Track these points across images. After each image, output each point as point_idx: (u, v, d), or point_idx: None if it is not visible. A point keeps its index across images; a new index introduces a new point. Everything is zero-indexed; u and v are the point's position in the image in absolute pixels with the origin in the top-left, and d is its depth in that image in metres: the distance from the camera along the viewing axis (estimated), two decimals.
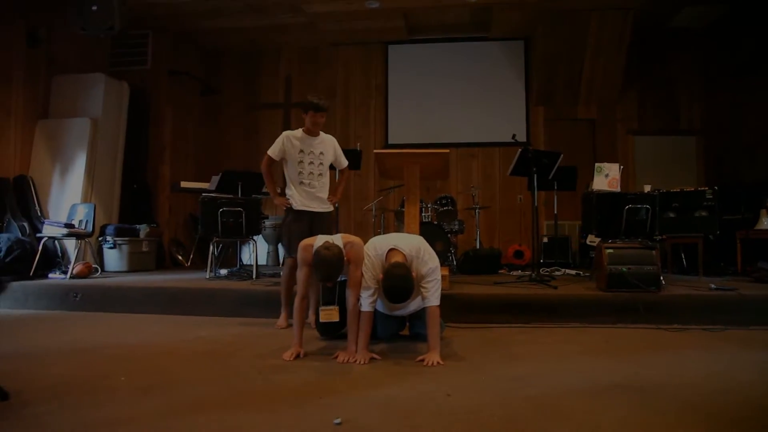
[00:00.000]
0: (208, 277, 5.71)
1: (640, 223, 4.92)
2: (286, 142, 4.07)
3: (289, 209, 4.13)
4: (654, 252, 4.49)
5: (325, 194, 4.19)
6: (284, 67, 9.12)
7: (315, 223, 4.05)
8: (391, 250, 3.14)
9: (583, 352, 3.28)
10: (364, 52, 8.93)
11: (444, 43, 8.72)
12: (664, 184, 6.29)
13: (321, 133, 4.19)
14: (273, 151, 4.09)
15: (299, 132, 4.13)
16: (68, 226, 5.78)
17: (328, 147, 4.21)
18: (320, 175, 4.14)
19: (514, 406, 2.25)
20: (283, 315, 4.15)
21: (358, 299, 3.10)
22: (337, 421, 2.01)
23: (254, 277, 5.67)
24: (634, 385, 2.53)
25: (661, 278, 4.50)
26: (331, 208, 4.27)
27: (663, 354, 3.23)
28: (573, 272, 6.34)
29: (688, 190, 6.03)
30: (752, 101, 7.39)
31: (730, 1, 7.22)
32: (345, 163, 4.40)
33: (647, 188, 5.49)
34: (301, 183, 4.08)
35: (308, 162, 4.10)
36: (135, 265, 6.69)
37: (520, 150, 5.46)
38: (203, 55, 8.94)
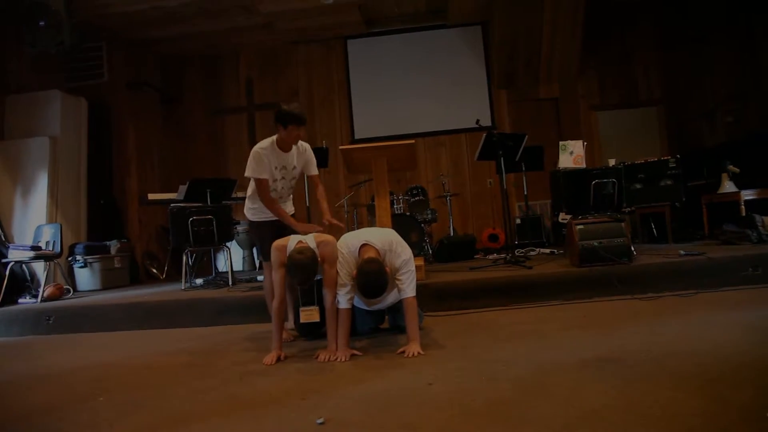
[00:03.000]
0: (183, 288, 5.64)
1: (607, 197, 5.00)
2: (263, 158, 3.65)
3: (254, 222, 3.91)
4: (623, 224, 4.57)
5: (289, 201, 4.01)
6: (244, 70, 9.04)
7: (284, 230, 3.75)
8: (363, 245, 3.14)
9: (563, 328, 3.32)
10: (324, 49, 8.89)
11: (402, 33, 8.73)
12: (629, 157, 6.43)
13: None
14: (261, 173, 3.64)
15: (269, 145, 3.69)
16: (35, 248, 5.65)
17: (301, 158, 3.86)
18: (291, 188, 3.92)
19: (498, 389, 2.27)
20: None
21: (335, 297, 3.10)
22: (320, 420, 2.01)
23: (230, 283, 5.62)
24: (613, 357, 2.57)
25: (633, 249, 4.58)
26: (293, 211, 4.01)
27: (639, 323, 3.29)
28: (547, 251, 6.43)
29: (651, 160, 6.19)
30: (708, 67, 7.57)
31: None
32: (315, 171, 3.98)
33: (612, 162, 5.59)
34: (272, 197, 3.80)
35: (280, 178, 3.78)
36: (108, 282, 6.58)
37: (485, 135, 5.49)
38: (161, 64, 8.78)
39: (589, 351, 2.72)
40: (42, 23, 5.76)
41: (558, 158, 5.51)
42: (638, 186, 6.20)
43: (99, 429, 2.20)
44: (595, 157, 7.88)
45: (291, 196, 4.00)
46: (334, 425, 1.98)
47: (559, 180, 5.31)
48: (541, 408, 1.99)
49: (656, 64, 8.42)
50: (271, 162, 3.69)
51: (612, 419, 1.82)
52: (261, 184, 3.69)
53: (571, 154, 5.19)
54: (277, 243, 3.21)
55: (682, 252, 4.63)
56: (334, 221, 3.70)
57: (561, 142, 5.31)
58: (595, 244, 4.47)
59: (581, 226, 4.57)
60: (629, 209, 5.99)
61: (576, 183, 5.09)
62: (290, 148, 3.76)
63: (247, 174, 3.69)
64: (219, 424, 2.12)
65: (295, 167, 3.83)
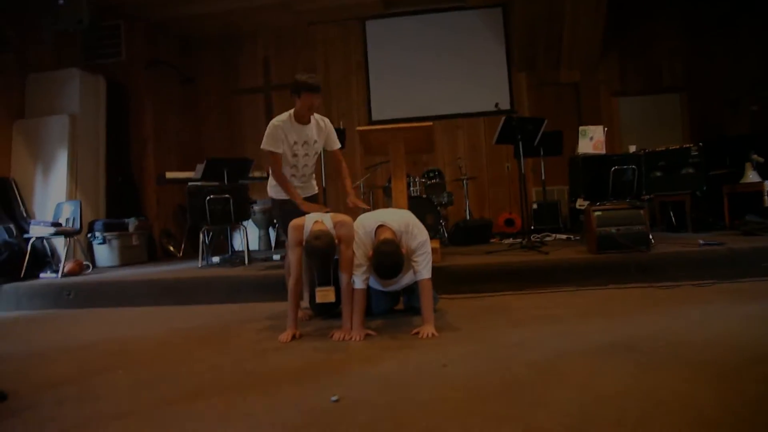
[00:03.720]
0: (200, 266, 5.70)
1: (627, 184, 4.95)
2: (279, 131, 3.62)
3: (276, 200, 3.90)
4: (642, 212, 4.51)
5: (313, 179, 3.99)
6: (262, 50, 9.01)
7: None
8: (379, 226, 3.14)
9: (578, 315, 3.31)
10: (342, 30, 8.83)
11: (421, 15, 8.61)
12: (650, 144, 6.32)
13: (314, 116, 3.74)
14: (273, 146, 3.60)
15: (287, 118, 3.65)
16: (55, 225, 5.72)
17: (322, 132, 3.79)
18: (313, 164, 3.87)
19: (513, 372, 2.26)
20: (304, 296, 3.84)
21: (350, 278, 3.11)
22: (335, 398, 2.03)
23: (246, 262, 5.67)
24: (629, 344, 2.55)
25: (651, 237, 4.53)
26: (317, 191, 4.04)
27: (655, 312, 3.26)
28: (564, 237, 6.38)
29: (673, 148, 6.08)
30: (732, 55, 7.41)
31: None
32: (337, 144, 3.92)
33: (632, 149, 5.51)
34: (293, 176, 3.79)
35: (303, 154, 3.71)
36: (126, 259, 6.67)
37: (503, 118, 5.44)
38: (179, 43, 8.79)
39: (605, 337, 2.70)
40: (61, 2, 5.77)
41: (577, 144, 5.45)
42: (658, 174, 6.10)
43: (118, 400, 2.24)
44: (615, 144, 7.76)
45: (313, 174, 3.98)
46: (349, 403, 2.00)
47: (578, 165, 5.26)
48: (555, 392, 1.99)
49: (679, 50, 8.24)
50: (289, 136, 3.64)
51: (627, 406, 1.81)
52: (274, 158, 3.66)
53: (591, 140, 5.12)
54: (294, 222, 3.22)
55: (701, 242, 4.56)
56: (360, 203, 3.69)
57: (581, 127, 5.25)
58: (613, 231, 4.42)
59: (599, 213, 4.52)
60: (648, 197, 5.90)
61: (595, 169, 5.04)
62: (308, 120, 3.70)
63: (262, 146, 3.66)
64: (235, 400, 2.14)
65: (316, 141, 3.76)
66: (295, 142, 3.68)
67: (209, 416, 1.99)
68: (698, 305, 3.35)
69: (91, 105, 7.00)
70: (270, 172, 3.87)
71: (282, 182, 3.71)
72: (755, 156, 5.74)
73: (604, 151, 5.15)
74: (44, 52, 6.97)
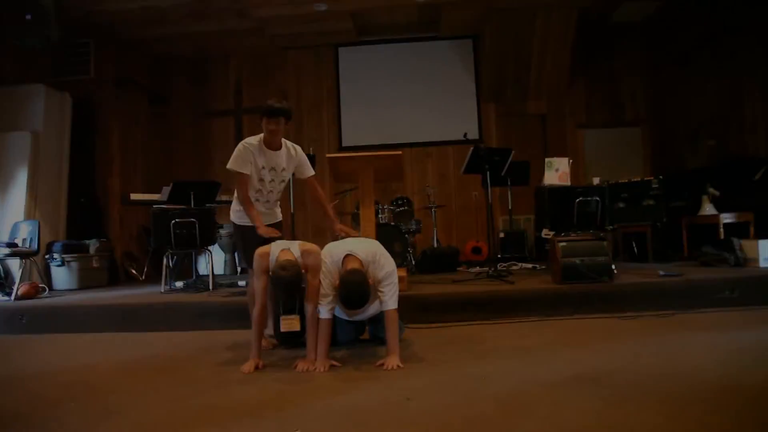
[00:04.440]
0: (163, 290, 5.56)
1: (591, 215, 5.05)
2: (248, 153, 3.55)
3: (238, 226, 3.79)
4: (605, 243, 4.61)
5: (277, 207, 3.92)
6: (234, 73, 8.99)
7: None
8: (347, 256, 3.11)
9: (543, 345, 3.33)
10: (315, 55, 8.88)
11: (394, 43, 8.75)
12: (613, 175, 6.50)
13: (285, 143, 3.71)
14: (240, 167, 3.53)
15: (257, 142, 3.59)
16: (10, 245, 5.54)
17: (292, 160, 3.75)
18: (279, 191, 3.82)
19: (478, 405, 2.25)
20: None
21: (316, 307, 3.07)
22: None
23: (211, 288, 5.56)
24: (593, 375, 2.58)
25: (613, 268, 4.61)
26: (281, 218, 3.96)
27: (619, 342, 3.31)
28: (530, 266, 6.45)
29: (635, 180, 6.25)
30: (692, 90, 7.69)
31: None
32: (310, 172, 3.91)
33: (596, 180, 5.64)
34: (257, 201, 3.70)
35: (269, 180, 3.65)
36: (86, 282, 6.47)
37: (471, 148, 5.51)
38: (150, 63, 8.69)
39: (569, 369, 2.72)
40: (28, 17, 5.67)
41: (543, 174, 5.55)
42: (621, 205, 6.25)
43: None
44: (580, 175, 7.94)
45: (278, 202, 3.92)
46: None
47: (543, 196, 5.35)
48: (521, 426, 1.98)
49: (642, 85, 8.54)
50: (258, 160, 3.58)
51: None
52: (240, 179, 3.58)
53: (557, 171, 5.23)
54: (260, 250, 3.18)
55: (661, 272, 4.67)
56: (346, 229, 3.64)
57: (547, 159, 5.36)
58: (577, 261, 4.49)
59: (564, 243, 4.59)
60: (612, 227, 6.03)
61: (560, 200, 5.13)
62: (277, 146, 3.65)
63: (228, 166, 3.58)
64: None
65: (284, 169, 3.71)
66: (263, 167, 3.62)
67: None
68: (660, 336, 3.42)
69: (56, 122, 6.85)
70: (234, 195, 3.78)
71: (246, 204, 3.62)
72: (711, 189, 5.93)
73: (569, 183, 5.26)
74: (8, 66, 6.80)
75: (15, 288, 5.32)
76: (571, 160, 5.36)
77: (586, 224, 5.04)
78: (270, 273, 3.06)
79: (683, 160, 7.83)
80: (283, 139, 3.72)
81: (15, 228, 5.92)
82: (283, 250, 3.12)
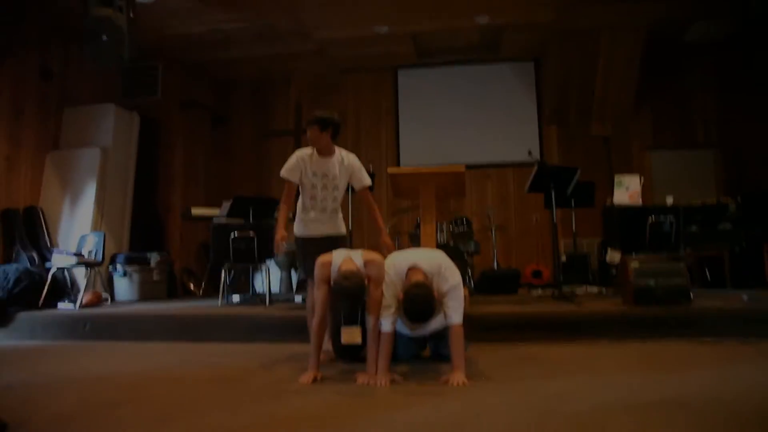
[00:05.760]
0: (220, 304, 5.57)
1: (664, 236, 4.76)
2: (299, 161, 3.64)
3: (299, 237, 3.78)
4: (682, 264, 4.31)
5: (339, 218, 3.85)
6: (294, 95, 9.13)
7: (329, 248, 3.51)
8: (411, 268, 3.00)
9: (617, 368, 3.11)
10: (374, 78, 8.93)
11: (454, 66, 8.69)
12: (684, 199, 6.14)
13: (338, 151, 3.73)
14: (288, 174, 3.64)
15: (310, 150, 3.69)
16: (77, 255, 5.69)
17: (343, 167, 3.74)
18: (334, 199, 3.77)
19: (555, 425, 2.07)
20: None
21: (378, 319, 2.95)
22: None
23: (267, 302, 5.53)
24: (676, 400, 2.35)
25: (691, 291, 4.30)
26: (344, 232, 3.88)
27: (700, 368, 3.04)
28: (595, 290, 6.14)
29: (709, 203, 5.90)
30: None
31: (739, 15, 7.13)
32: (366, 181, 3.85)
33: (670, 200, 5.33)
34: (314, 207, 3.70)
35: (321, 186, 3.66)
36: (146, 294, 6.58)
37: (536, 165, 5.33)
38: (213, 85, 8.97)
39: (651, 392, 2.50)
40: (105, 38, 5.91)
41: (609, 195, 5.30)
42: (694, 229, 5.90)
43: None
44: (646, 197, 7.55)
45: (337, 210, 3.83)
46: None
47: (612, 216, 5.09)
48: None
49: (713, 106, 8.14)
50: (308, 167, 3.65)
51: None
52: (287, 185, 3.70)
53: (627, 190, 4.97)
54: (322, 259, 3.10)
55: (745, 297, 4.33)
56: (389, 242, 3.71)
57: (617, 177, 5.11)
58: (651, 283, 4.22)
59: (637, 264, 4.33)
60: (685, 252, 5.69)
61: (631, 220, 4.86)
62: (328, 152, 3.68)
63: (281, 174, 3.71)
64: None
65: (335, 176, 3.70)
66: (314, 173, 3.65)
67: None
68: (745, 363, 3.14)
69: (124, 140, 7.09)
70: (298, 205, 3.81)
71: (283, 208, 3.71)
72: None
73: (640, 202, 4.99)
74: (83, 86, 7.13)
75: (80, 296, 5.44)
76: (642, 178, 5.09)
77: (658, 246, 4.75)
78: (331, 283, 2.97)
79: (762, 184, 7.37)
80: (337, 148, 3.75)
81: (82, 239, 6.09)
82: (345, 259, 3.03)
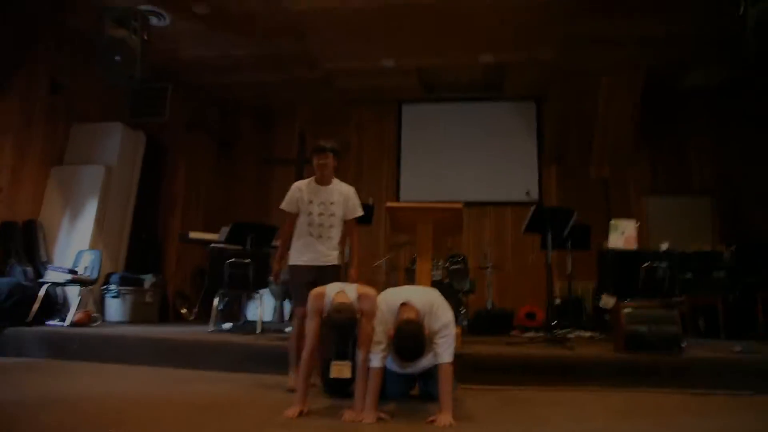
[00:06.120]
0: (210, 330, 5.54)
1: (658, 282, 4.79)
2: (296, 192, 3.84)
3: (292, 265, 3.84)
4: (675, 312, 4.31)
5: (333, 247, 3.87)
6: (299, 123, 9.24)
7: (320, 277, 3.68)
8: (403, 304, 3.01)
9: (607, 415, 3.09)
10: (378, 111, 9.06)
11: (457, 102, 8.83)
12: (679, 245, 6.16)
13: (335, 181, 3.89)
14: (287, 206, 3.83)
15: (308, 180, 3.89)
16: (72, 272, 5.68)
17: (340, 196, 3.86)
18: (330, 227, 3.83)
19: None
20: (292, 375, 3.77)
21: (368, 354, 2.94)
22: None
23: (259, 330, 5.50)
24: None
25: (683, 340, 4.29)
26: (338, 262, 3.91)
27: (690, 419, 3.03)
28: (587, 334, 6.10)
29: (704, 250, 5.92)
30: (765, 158, 7.35)
31: (737, 60, 7.26)
32: (357, 213, 3.95)
33: (664, 246, 5.36)
34: (310, 234, 3.78)
35: (318, 213, 3.78)
36: (137, 316, 6.54)
37: (534, 206, 5.36)
38: (220, 109, 9.08)
39: None
40: (118, 58, 6.02)
41: (605, 239, 5.33)
42: (689, 276, 5.90)
43: None
44: (642, 242, 7.57)
45: (333, 239, 3.86)
46: None
47: (607, 260, 5.11)
48: None
49: (710, 152, 8.23)
50: (305, 195, 3.82)
51: None
52: (287, 217, 3.87)
53: (622, 234, 5.01)
54: (316, 291, 3.11)
55: (738, 348, 4.31)
56: (355, 276, 3.75)
57: (612, 221, 5.15)
58: (644, 329, 4.20)
59: (629, 309, 4.32)
60: (679, 299, 5.68)
61: (625, 264, 4.89)
62: (327, 181, 3.86)
63: (281, 206, 3.88)
64: None
65: (333, 203, 3.84)
66: (311, 201, 3.81)
67: None
68: (736, 416, 3.12)
69: (128, 159, 7.14)
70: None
71: (282, 239, 3.90)
72: None
73: (635, 247, 5.01)
74: (92, 103, 7.18)
75: (70, 314, 5.42)
76: (638, 223, 5.12)
77: (652, 292, 4.76)
78: (324, 315, 2.98)
79: (758, 232, 7.40)
80: (335, 178, 3.92)
81: (79, 256, 6.08)
82: (339, 292, 3.04)
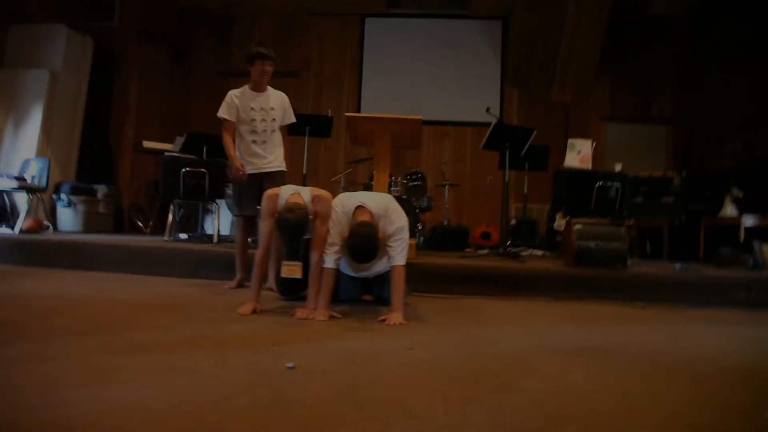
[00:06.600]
0: (166, 239, 5.49)
1: (610, 202, 4.89)
2: (233, 101, 3.81)
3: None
4: (622, 229, 4.46)
5: (277, 153, 3.93)
6: (258, 35, 8.84)
7: (266, 183, 3.73)
8: (358, 207, 3.01)
9: (551, 321, 3.23)
10: (341, 24, 8.72)
11: (422, 18, 8.57)
12: (632, 170, 6.30)
13: (269, 88, 3.91)
14: (225, 113, 3.81)
15: (243, 88, 3.86)
16: (19, 179, 5.48)
17: (277, 101, 3.92)
18: (273, 131, 3.89)
19: (483, 361, 2.15)
20: (237, 277, 3.99)
21: (322, 256, 2.97)
22: (290, 365, 1.88)
23: (215, 240, 5.47)
24: (602, 348, 2.47)
25: (628, 256, 4.47)
26: (283, 167, 3.96)
27: (629, 325, 3.20)
28: (539, 253, 6.31)
29: (655, 175, 6.08)
30: (723, 92, 7.46)
31: None
32: (290, 120, 4.01)
33: (618, 167, 5.47)
34: (254, 142, 3.83)
35: (260, 119, 3.83)
36: (91, 226, 6.42)
37: (494, 122, 5.36)
38: (175, 16, 8.58)
39: (580, 341, 2.62)
40: None
41: (563, 162, 5.40)
42: (639, 200, 6.08)
43: (51, 345, 2.07)
44: (597, 166, 7.73)
45: (277, 142, 3.95)
46: (304, 372, 1.86)
47: (562, 179, 5.20)
48: (525, 382, 1.87)
49: (671, 82, 8.31)
50: (244, 103, 3.81)
51: (601, 400, 1.71)
52: (224, 124, 3.84)
53: (579, 153, 5.08)
54: (270, 192, 3.09)
55: (677, 266, 4.53)
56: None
57: (570, 140, 5.21)
58: (592, 245, 4.36)
59: (580, 226, 4.46)
60: (628, 221, 5.87)
61: (579, 184, 4.97)
62: (263, 88, 3.87)
63: (218, 114, 3.86)
64: (180, 356, 1.99)
65: (273, 109, 3.88)
66: (252, 108, 3.82)
67: (144, 368, 1.83)
68: (671, 324, 3.31)
69: (75, 65, 6.77)
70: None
71: (227, 146, 3.84)
72: (735, 190, 5.75)
73: (590, 166, 5.11)
74: (34, 4, 6.70)
75: (19, 221, 5.27)
76: (594, 143, 5.20)
77: (604, 211, 4.88)
78: (276, 215, 2.96)
79: (707, 162, 7.63)
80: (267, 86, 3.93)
81: (25, 164, 5.86)
82: (293, 194, 3.02)
